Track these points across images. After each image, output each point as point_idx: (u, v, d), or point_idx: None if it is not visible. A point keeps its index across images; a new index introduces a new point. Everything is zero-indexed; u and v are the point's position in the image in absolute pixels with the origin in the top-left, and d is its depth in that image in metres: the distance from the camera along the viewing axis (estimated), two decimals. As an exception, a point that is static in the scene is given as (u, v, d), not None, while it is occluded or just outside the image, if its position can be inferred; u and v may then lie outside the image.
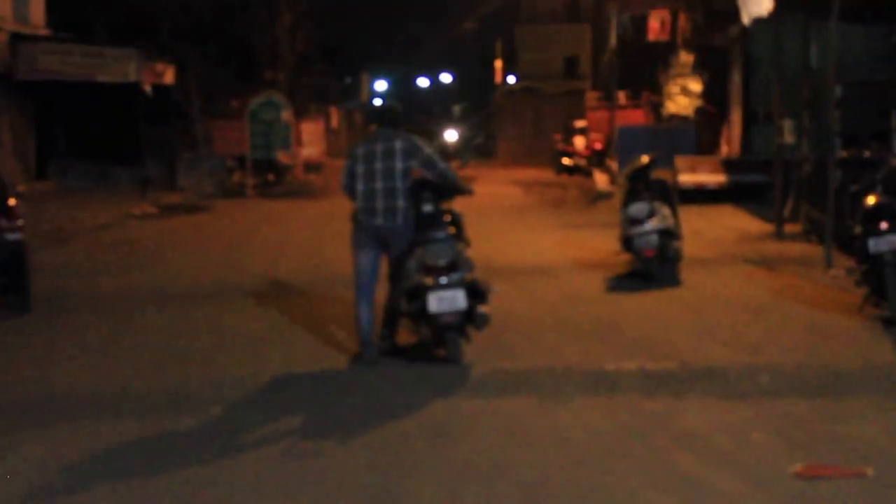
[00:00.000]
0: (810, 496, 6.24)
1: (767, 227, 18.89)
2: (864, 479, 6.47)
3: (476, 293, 9.62)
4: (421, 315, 9.65)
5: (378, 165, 9.89)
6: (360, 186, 9.96)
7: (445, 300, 9.39)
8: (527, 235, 20.24)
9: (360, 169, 9.96)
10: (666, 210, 14.17)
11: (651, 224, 13.91)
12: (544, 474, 6.71)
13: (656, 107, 34.98)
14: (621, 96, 36.82)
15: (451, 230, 10.18)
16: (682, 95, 32.36)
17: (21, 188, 15.12)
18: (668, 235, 14.02)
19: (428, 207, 10.02)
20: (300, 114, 37.85)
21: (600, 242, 16.76)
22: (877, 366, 9.44)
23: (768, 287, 13.57)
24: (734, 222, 20.28)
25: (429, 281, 9.48)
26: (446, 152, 57.22)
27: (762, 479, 6.52)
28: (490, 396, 8.63)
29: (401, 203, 9.88)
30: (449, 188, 10.26)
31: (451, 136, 56.46)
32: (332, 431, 7.73)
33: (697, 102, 31.61)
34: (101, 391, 9.11)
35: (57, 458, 7.25)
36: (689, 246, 14.77)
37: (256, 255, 17.75)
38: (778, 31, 18.89)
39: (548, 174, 40.84)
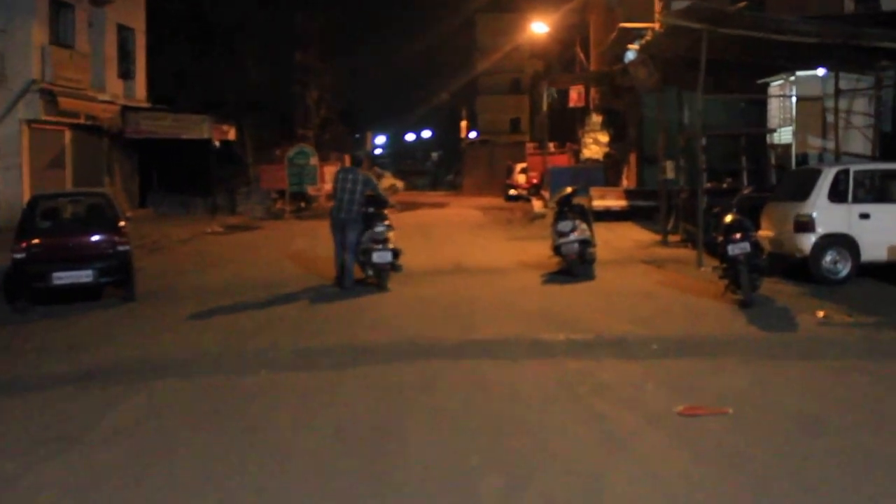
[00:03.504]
0: (687, 428, 6.23)
1: (655, 237, 18.94)
2: (726, 416, 6.47)
3: (396, 254, 12.98)
4: (369, 263, 12.96)
5: (348, 186, 13.01)
6: (335, 195, 13.19)
7: (382, 256, 12.85)
8: (485, 244, 20.21)
9: (338, 185, 13.11)
10: (584, 226, 14.13)
11: (574, 236, 13.89)
12: (500, 414, 6.67)
13: (576, 153, 35.02)
14: (551, 145, 36.89)
15: (388, 222, 13.21)
16: (594, 145, 32.41)
17: (129, 214, 15.17)
18: (586, 244, 14.01)
19: (371, 210, 13.20)
20: (323, 159, 37.54)
21: (537, 249, 16.71)
22: (734, 335, 9.47)
23: (656, 280, 13.59)
24: (632, 234, 20.30)
25: (374, 246, 12.89)
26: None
27: (654, 416, 6.51)
28: (460, 359, 8.60)
29: (356, 208, 13.00)
30: (382, 202, 13.56)
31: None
32: (349, 387, 7.69)
33: (605, 149, 31.68)
34: (183, 356, 9.06)
35: (152, 407, 7.19)
36: (601, 251, 14.75)
37: (293, 258, 17.66)
38: (660, 100, 18.99)
39: (499, 201, 40.82)
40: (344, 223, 13.00)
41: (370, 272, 13.11)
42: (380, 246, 12.91)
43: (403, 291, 12.84)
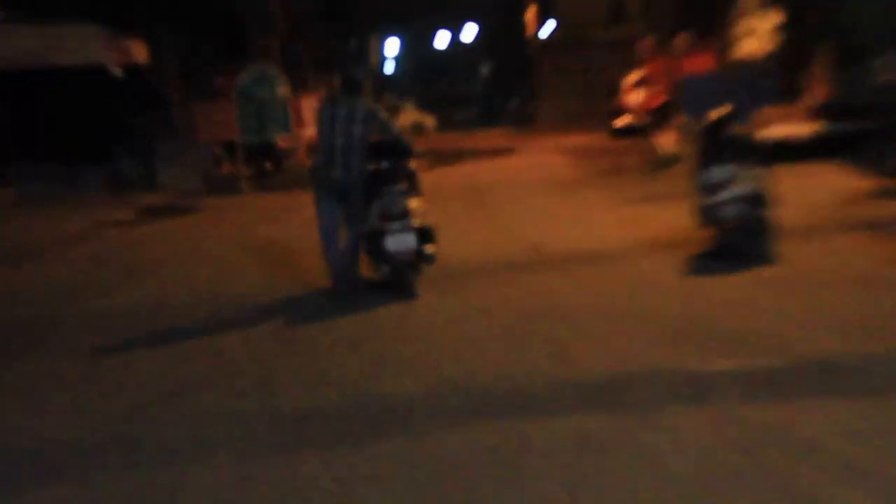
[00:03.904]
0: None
1: (872, 184, 18.71)
2: None
3: (424, 236, 13.28)
4: (380, 254, 13.24)
5: (340, 126, 13.18)
6: (321, 144, 13.43)
7: (402, 240, 13.03)
8: (580, 214, 20.20)
9: (325, 127, 13.30)
10: (750, 172, 13.98)
11: (733, 190, 13.76)
12: (632, 506, 6.52)
13: (726, 50, 34.83)
14: (683, 41, 36.69)
15: (405, 185, 13.45)
16: (757, 34, 32.20)
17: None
18: (755, 202, 13.85)
19: (385, 164, 13.58)
20: (299, 87, 37.81)
21: (670, 217, 16.64)
22: None
23: (883, 257, 13.41)
24: (833, 181, 20.13)
25: (389, 225, 13.06)
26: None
27: (907, 496, 6.34)
28: (553, 413, 8.44)
29: (357, 161, 13.24)
30: (401, 150, 13.75)
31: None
32: (364, 478, 7.57)
33: (775, 41, 31.46)
34: (79, 437, 8.97)
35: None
36: (783, 212, 14.52)
37: (256, 255, 17.64)
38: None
39: (600, 139, 40.80)
40: (340, 188, 13.24)
41: (385, 268, 13.35)
42: (397, 224, 13.07)
43: (442, 299, 12.90)
